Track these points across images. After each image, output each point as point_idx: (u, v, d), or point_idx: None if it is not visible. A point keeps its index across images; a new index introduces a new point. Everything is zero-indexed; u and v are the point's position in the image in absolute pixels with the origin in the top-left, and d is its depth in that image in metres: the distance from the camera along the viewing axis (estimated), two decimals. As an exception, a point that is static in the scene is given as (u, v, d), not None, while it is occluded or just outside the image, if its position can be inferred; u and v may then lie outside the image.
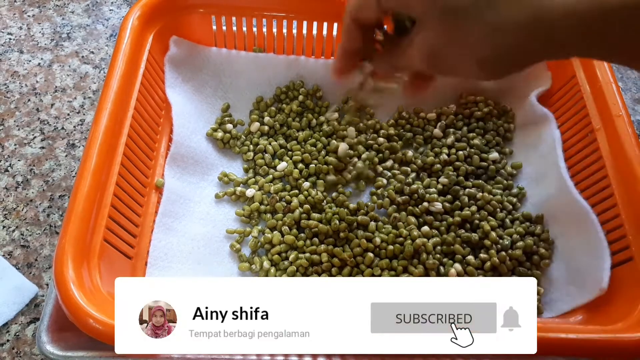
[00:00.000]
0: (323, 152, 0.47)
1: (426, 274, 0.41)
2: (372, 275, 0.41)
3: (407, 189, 0.45)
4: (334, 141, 0.48)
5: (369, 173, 0.45)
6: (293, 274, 0.40)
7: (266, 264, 0.41)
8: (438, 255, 0.41)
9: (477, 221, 0.43)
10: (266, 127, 0.49)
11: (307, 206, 0.44)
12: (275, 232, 0.43)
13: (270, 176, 0.46)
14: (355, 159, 0.46)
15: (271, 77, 0.51)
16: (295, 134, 0.48)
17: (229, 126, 0.48)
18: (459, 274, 0.41)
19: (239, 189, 0.45)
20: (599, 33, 0.26)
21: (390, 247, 0.41)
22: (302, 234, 0.43)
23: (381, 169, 0.46)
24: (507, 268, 0.41)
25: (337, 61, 0.35)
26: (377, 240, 0.42)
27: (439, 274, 0.41)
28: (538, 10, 0.26)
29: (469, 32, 0.27)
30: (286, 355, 0.34)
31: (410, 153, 0.47)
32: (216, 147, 0.48)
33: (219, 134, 0.48)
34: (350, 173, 0.46)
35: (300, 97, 0.50)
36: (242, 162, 0.48)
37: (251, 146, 0.48)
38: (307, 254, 0.41)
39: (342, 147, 0.46)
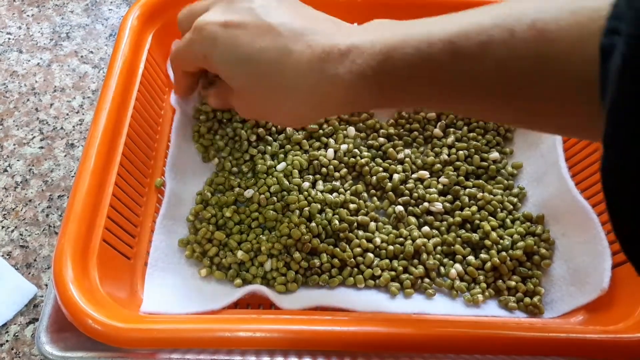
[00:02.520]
0: (323, 152, 0.47)
1: (427, 274, 0.41)
2: (372, 275, 0.41)
3: (404, 189, 0.45)
4: (332, 141, 0.48)
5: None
6: (293, 279, 0.40)
7: (267, 266, 0.41)
8: (438, 256, 0.41)
9: (477, 221, 0.43)
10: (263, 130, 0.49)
11: (305, 206, 0.44)
12: (273, 234, 0.43)
13: (270, 178, 0.46)
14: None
15: None
16: (295, 136, 0.48)
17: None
18: (459, 275, 0.41)
19: (237, 189, 0.45)
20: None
21: (391, 247, 0.41)
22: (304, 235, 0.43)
23: (381, 169, 0.46)
24: (507, 268, 0.41)
25: (177, 90, 0.44)
26: (377, 240, 0.42)
27: (439, 275, 0.41)
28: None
29: (276, 100, 0.34)
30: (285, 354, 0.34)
31: (405, 152, 0.47)
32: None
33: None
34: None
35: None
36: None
37: (251, 149, 0.48)
38: (308, 257, 0.41)
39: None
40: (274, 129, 0.48)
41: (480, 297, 0.39)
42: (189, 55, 0.37)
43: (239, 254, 0.40)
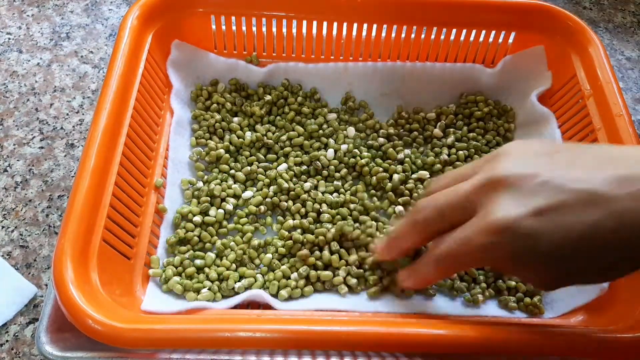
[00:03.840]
0: (324, 152, 0.47)
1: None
2: (373, 275, 0.40)
3: (404, 189, 0.45)
4: (332, 141, 0.48)
5: (350, 229, 0.42)
6: (297, 281, 0.40)
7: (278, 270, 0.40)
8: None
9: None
10: (263, 134, 0.48)
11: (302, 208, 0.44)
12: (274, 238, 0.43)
13: (269, 180, 0.45)
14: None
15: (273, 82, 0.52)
16: (296, 138, 0.48)
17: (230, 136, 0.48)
18: (459, 275, 0.41)
19: (235, 188, 0.45)
20: None
21: None
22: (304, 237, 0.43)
23: (381, 169, 0.46)
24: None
25: (386, 248, 0.37)
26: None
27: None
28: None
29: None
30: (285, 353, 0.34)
31: (405, 152, 0.47)
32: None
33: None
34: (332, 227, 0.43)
35: (299, 99, 0.50)
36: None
37: (252, 149, 0.48)
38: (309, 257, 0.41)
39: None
40: (273, 133, 0.48)
41: (480, 297, 0.39)
42: (486, 259, 0.30)
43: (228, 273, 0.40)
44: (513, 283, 0.40)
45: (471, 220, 0.30)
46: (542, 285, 0.30)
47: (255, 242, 0.42)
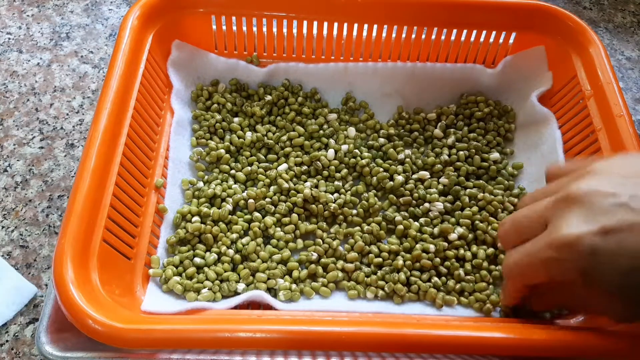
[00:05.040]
0: (324, 152, 0.47)
1: (428, 278, 0.41)
2: (372, 274, 0.40)
3: (404, 189, 0.45)
4: (333, 141, 0.48)
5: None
6: (297, 290, 0.40)
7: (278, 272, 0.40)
8: (438, 259, 0.41)
9: (478, 222, 0.43)
10: (264, 135, 0.48)
11: (299, 208, 0.44)
12: (276, 240, 0.43)
13: (269, 180, 0.45)
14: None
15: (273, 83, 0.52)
16: (296, 139, 0.48)
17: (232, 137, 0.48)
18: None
19: (235, 188, 0.45)
20: None
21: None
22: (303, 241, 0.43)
23: (382, 170, 0.46)
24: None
25: (509, 301, 0.37)
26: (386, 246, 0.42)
27: (439, 275, 0.41)
28: None
29: None
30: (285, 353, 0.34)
31: (406, 153, 0.47)
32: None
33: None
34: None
35: (300, 99, 0.50)
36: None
37: (252, 150, 0.48)
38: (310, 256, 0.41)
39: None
40: (273, 133, 0.48)
41: (490, 307, 0.39)
42: (550, 273, 0.30)
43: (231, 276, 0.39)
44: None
45: (540, 235, 0.30)
46: (617, 316, 0.30)
47: (255, 242, 0.42)
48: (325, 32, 0.50)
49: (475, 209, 0.43)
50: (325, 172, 0.46)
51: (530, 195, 0.34)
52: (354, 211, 0.44)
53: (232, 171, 0.46)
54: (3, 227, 0.47)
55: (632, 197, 0.27)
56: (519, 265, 0.31)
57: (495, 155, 0.47)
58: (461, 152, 0.47)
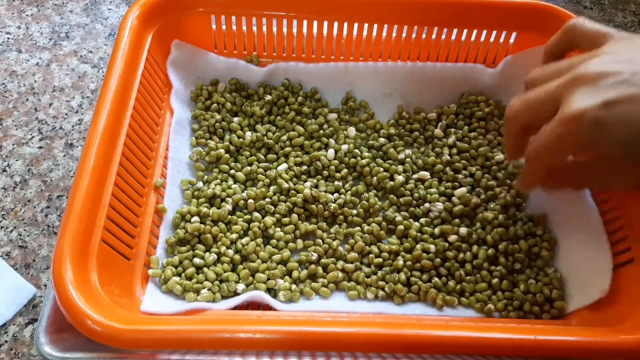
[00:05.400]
0: (324, 152, 0.47)
1: (428, 278, 0.41)
2: (373, 274, 0.40)
3: (404, 189, 0.45)
4: (333, 141, 0.47)
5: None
6: (297, 290, 0.40)
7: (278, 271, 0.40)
8: (438, 260, 0.41)
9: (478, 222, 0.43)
10: (263, 134, 0.48)
11: (299, 209, 0.44)
12: (277, 241, 0.43)
13: (269, 180, 0.45)
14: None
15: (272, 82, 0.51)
16: (296, 138, 0.48)
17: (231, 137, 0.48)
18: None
19: (235, 188, 0.45)
20: None
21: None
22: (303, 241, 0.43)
23: (382, 169, 0.46)
24: (509, 269, 0.41)
25: (509, 152, 0.38)
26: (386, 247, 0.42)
27: (439, 275, 0.41)
28: None
29: None
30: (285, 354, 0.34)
31: (406, 152, 0.47)
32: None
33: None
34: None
35: (300, 99, 0.49)
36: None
37: (252, 149, 0.48)
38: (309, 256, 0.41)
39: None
40: (273, 133, 0.48)
41: (491, 307, 0.39)
42: (563, 148, 0.32)
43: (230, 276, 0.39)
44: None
45: (554, 117, 0.32)
46: (622, 183, 0.34)
47: (255, 242, 0.42)
48: (325, 31, 0.50)
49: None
50: (325, 172, 0.46)
51: (542, 71, 0.35)
52: (354, 211, 0.44)
53: (232, 171, 0.46)
54: (2, 227, 0.47)
55: (633, 74, 0.30)
56: (535, 148, 0.33)
57: (499, 156, 0.47)
58: (462, 152, 0.47)
